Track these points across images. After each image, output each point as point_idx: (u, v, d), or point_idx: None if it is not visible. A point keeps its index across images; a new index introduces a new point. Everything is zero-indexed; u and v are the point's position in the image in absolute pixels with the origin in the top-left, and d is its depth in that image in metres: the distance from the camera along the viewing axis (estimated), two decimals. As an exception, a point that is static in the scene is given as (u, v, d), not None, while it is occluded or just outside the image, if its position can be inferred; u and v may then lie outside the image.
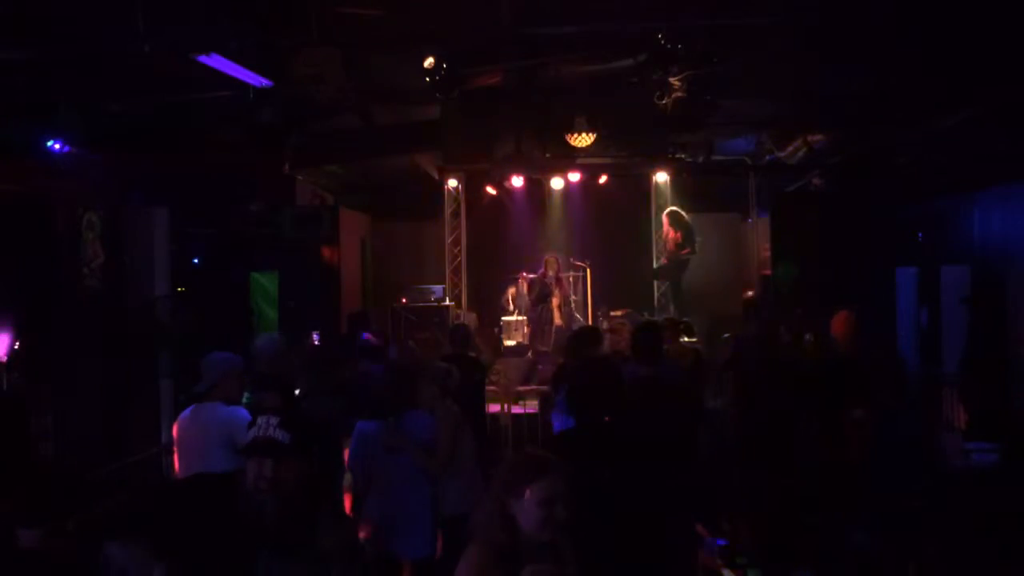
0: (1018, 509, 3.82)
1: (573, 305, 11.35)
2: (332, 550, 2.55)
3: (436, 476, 4.59)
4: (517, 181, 11.56)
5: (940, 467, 4.39)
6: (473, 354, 7.02)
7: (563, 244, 12.02)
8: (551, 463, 2.53)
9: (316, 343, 6.86)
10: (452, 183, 11.44)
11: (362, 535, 4.45)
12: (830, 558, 4.63)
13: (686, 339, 9.09)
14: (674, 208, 10.72)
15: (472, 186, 11.85)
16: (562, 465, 2.53)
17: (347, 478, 4.88)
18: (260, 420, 2.65)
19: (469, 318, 10.75)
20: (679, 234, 10.58)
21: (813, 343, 6.61)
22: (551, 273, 10.50)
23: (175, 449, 4.43)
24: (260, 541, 2.54)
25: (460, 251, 11.66)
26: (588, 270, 11.34)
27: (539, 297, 10.44)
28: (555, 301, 10.33)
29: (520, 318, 10.99)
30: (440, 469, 4.59)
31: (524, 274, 10.80)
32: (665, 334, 6.61)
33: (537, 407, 8.91)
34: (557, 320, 10.37)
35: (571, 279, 11.48)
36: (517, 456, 2.65)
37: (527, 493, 2.46)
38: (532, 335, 10.63)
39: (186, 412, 4.44)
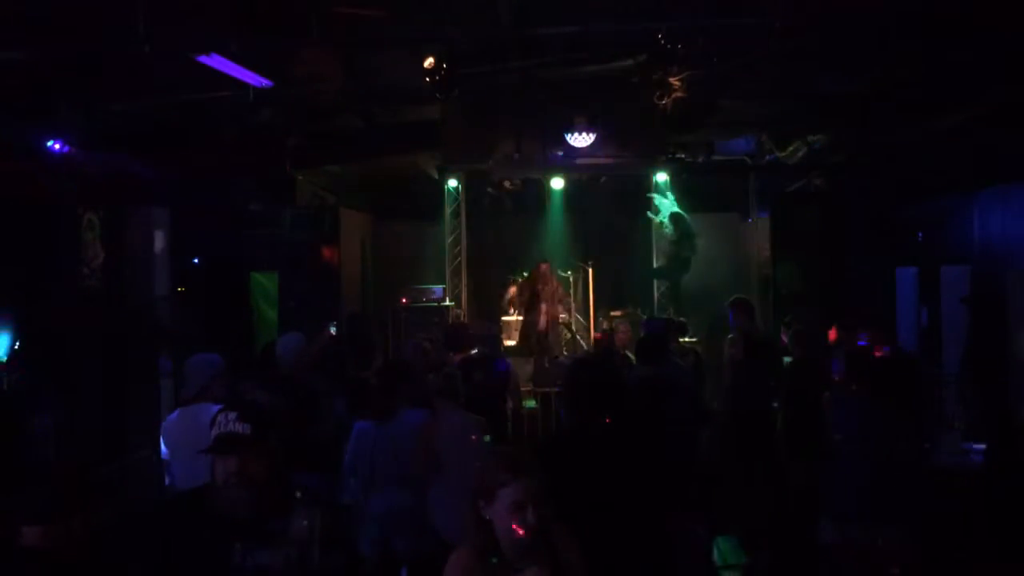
0: (1008, 508, 3.82)
1: (572, 307, 11.37)
2: (308, 536, 2.57)
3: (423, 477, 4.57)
4: (518, 181, 11.56)
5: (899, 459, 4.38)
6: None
7: (563, 244, 12.02)
8: (523, 465, 2.48)
9: (333, 334, 6.82)
10: (452, 183, 11.44)
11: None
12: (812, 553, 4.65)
13: (684, 339, 9.10)
14: (676, 210, 10.71)
15: (472, 186, 11.85)
16: (535, 466, 2.49)
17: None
18: (220, 418, 2.65)
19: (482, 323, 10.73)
20: (679, 235, 10.59)
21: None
22: (539, 279, 10.50)
23: (166, 456, 4.31)
24: (235, 534, 2.56)
25: (460, 251, 11.65)
26: (589, 270, 11.34)
27: (528, 301, 10.48)
28: (542, 307, 10.36)
29: (520, 318, 11.01)
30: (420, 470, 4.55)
31: (517, 281, 10.86)
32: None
33: (537, 406, 8.93)
34: (541, 325, 10.37)
35: (571, 279, 11.52)
36: (489, 458, 2.60)
37: (497, 497, 2.44)
38: (522, 338, 10.66)
39: (173, 416, 4.35)
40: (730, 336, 6.85)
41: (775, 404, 6.48)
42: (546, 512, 2.44)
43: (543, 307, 10.38)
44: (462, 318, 11.03)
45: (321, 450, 4.67)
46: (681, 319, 9.51)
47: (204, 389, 4.29)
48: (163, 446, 4.34)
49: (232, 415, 2.63)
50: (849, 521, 4.33)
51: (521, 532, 2.40)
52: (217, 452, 2.59)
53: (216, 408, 2.80)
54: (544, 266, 10.60)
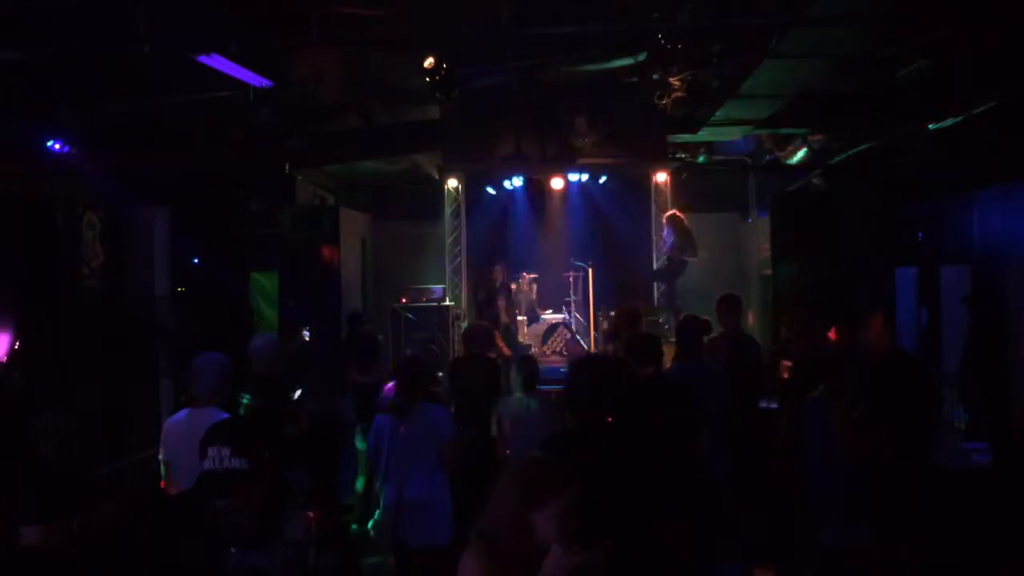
0: (1011, 508, 3.82)
1: (530, 307, 11.51)
2: (304, 536, 2.57)
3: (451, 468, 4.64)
4: (517, 181, 11.57)
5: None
6: (491, 355, 7.00)
7: (563, 244, 12.03)
8: (571, 473, 2.50)
9: (307, 339, 6.87)
10: (452, 183, 11.44)
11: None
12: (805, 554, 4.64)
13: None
14: (674, 212, 10.69)
15: (472, 186, 11.85)
16: (577, 473, 2.51)
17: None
18: (211, 452, 2.59)
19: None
20: (677, 237, 10.55)
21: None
22: (498, 281, 10.56)
23: (167, 457, 4.22)
24: (232, 541, 2.56)
25: (460, 251, 11.66)
26: (589, 270, 11.35)
27: (486, 301, 10.52)
28: (501, 303, 10.42)
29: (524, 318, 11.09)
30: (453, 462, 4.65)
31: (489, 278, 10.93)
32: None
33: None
34: (503, 319, 10.44)
35: (571, 279, 11.56)
36: (535, 464, 2.58)
37: (550, 504, 2.43)
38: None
39: (180, 416, 4.26)
40: (710, 336, 6.71)
41: (770, 405, 6.46)
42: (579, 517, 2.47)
43: (501, 304, 10.41)
44: (462, 318, 11.04)
45: (296, 447, 4.65)
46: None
47: (214, 389, 4.20)
48: (162, 448, 4.27)
49: (226, 451, 2.57)
50: (827, 523, 4.33)
51: (566, 535, 2.40)
52: (218, 496, 2.55)
53: (223, 415, 2.76)
54: (498, 271, 10.58)
